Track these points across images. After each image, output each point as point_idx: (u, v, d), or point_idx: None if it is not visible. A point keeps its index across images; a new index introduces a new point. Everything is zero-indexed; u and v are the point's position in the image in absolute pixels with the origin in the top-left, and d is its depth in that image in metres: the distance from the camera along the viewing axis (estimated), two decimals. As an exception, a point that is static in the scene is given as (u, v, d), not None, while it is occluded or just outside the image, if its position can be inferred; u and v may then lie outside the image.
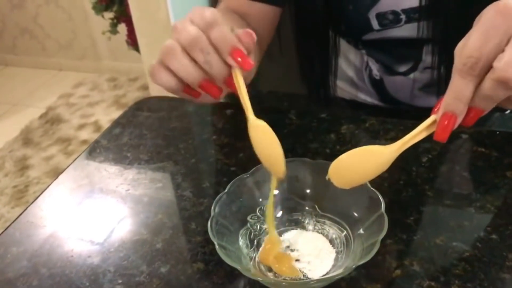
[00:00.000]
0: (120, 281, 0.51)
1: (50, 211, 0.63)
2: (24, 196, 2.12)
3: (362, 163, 0.47)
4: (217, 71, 0.50)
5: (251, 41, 0.50)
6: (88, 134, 2.48)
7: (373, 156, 0.46)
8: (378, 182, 0.54)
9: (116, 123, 0.78)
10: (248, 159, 0.67)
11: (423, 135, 0.45)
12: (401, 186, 0.59)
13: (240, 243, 0.51)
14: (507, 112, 0.89)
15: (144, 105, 0.81)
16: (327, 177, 0.49)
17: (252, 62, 0.50)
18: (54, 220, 0.61)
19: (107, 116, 2.61)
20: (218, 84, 0.52)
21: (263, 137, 0.50)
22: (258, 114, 0.52)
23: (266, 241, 0.53)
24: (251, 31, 0.50)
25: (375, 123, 0.71)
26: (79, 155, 0.72)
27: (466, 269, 0.49)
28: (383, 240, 0.45)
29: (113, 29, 2.21)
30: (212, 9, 0.50)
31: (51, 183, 0.67)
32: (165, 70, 0.51)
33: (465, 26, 0.73)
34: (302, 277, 0.49)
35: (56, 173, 2.22)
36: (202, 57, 0.49)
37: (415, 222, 0.54)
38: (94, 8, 2.17)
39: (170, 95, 0.55)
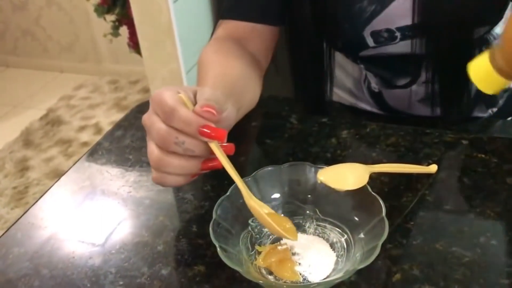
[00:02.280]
0: (121, 283, 0.52)
1: (51, 212, 0.63)
2: (24, 197, 2.12)
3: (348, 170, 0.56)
4: (201, 152, 0.50)
5: (212, 117, 0.49)
6: (89, 136, 2.48)
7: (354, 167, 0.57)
8: (379, 187, 0.55)
9: (118, 125, 0.78)
10: (249, 163, 0.68)
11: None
12: (401, 191, 0.60)
13: (241, 246, 0.51)
14: (509, 119, 0.89)
15: (146, 108, 0.81)
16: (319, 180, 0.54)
17: (223, 130, 0.49)
18: (56, 221, 0.61)
19: (107, 118, 2.61)
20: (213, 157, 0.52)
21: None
22: (259, 119, 0.53)
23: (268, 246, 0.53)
24: (209, 106, 0.50)
25: (376, 128, 0.71)
26: (81, 157, 0.72)
27: (465, 274, 0.49)
28: (383, 245, 0.46)
29: (115, 32, 2.21)
30: (169, 92, 0.50)
31: (53, 184, 0.67)
32: (166, 175, 0.52)
33: (457, 43, 0.74)
34: (302, 280, 0.49)
35: (56, 174, 2.23)
36: (180, 149, 0.49)
37: (415, 227, 0.55)
38: (96, 10, 2.18)
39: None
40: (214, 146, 0.50)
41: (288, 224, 0.51)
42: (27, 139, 2.52)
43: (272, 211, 0.51)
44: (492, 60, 0.47)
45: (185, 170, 0.51)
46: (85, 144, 2.43)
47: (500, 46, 0.46)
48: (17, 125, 2.63)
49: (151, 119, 0.51)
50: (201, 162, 0.52)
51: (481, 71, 0.47)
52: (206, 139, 0.49)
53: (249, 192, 0.51)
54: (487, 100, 0.87)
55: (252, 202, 0.50)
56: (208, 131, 0.49)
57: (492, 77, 0.47)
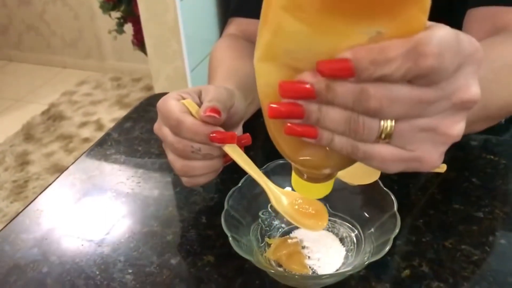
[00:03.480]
0: (130, 271, 0.52)
1: (60, 200, 0.63)
2: (23, 191, 2.12)
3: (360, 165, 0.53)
4: (220, 152, 0.51)
5: (216, 121, 0.50)
6: (90, 132, 2.48)
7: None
8: (389, 184, 0.55)
9: (127, 117, 0.79)
10: (259, 157, 0.68)
11: None
12: (410, 190, 0.60)
13: (251, 237, 0.51)
14: None
15: (155, 100, 0.81)
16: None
17: (231, 132, 0.50)
18: (64, 209, 0.61)
19: (109, 115, 2.61)
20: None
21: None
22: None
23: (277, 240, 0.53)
24: (211, 110, 0.49)
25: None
26: (90, 147, 0.72)
27: (474, 272, 0.49)
28: (392, 241, 0.46)
29: (120, 29, 2.21)
30: (173, 101, 0.50)
31: (62, 172, 0.67)
32: (196, 178, 0.53)
33: None
34: (311, 274, 0.49)
35: (56, 169, 2.22)
36: (199, 155, 0.51)
37: (424, 225, 0.55)
38: (101, 7, 2.18)
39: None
40: (228, 149, 0.50)
41: (318, 208, 0.50)
42: (28, 134, 2.52)
43: (300, 197, 0.50)
44: (297, 172, 0.41)
45: (211, 169, 0.52)
46: (86, 140, 2.42)
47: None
48: (19, 119, 2.63)
49: (162, 132, 0.52)
50: (223, 161, 0.53)
51: (299, 185, 0.41)
52: (217, 144, 0.50)
53: (276, 191, 0.50)
54: None
55: (280, 206, 0.49)
56: (217, 136, 0.49)
57: (308, 186, 0.41)
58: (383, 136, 0.31)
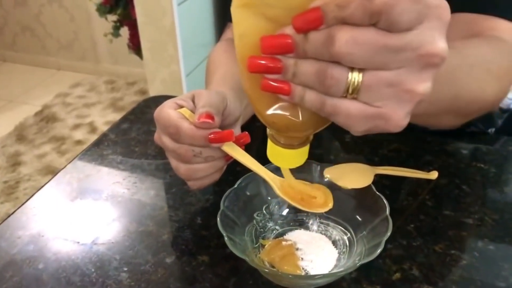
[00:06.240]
0: (125, 269, 0.52)
1: (57, 198, 0.64)
2: (14, 192, 2.11)
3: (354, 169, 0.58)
4: (220, 153, 0.53)
5: (210, 126, 0.50)
6: (83, 135, 2.48)
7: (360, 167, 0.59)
8: (380, 190, 0.56)
9: (124, 118, 0.79)
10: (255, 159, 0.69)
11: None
12: (402, 195, 0.61)
13: (246, 238, 0.52)
14: None
15: (152, 102, 0.83)
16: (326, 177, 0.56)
17: (228, 131, 0.51)
18: (61, 207, 0.62)
19: (102, 118, 2.61)
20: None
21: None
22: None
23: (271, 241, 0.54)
24: (205, 116, 0.50)
25: (379, 133, 0.73)
26: (88, 146, 0.73)
27: (463, 276, 0.50)
28: (384, 244, 0.47)
29: (116, 32, 2.22)
30: (169, 109, 0.52)
31: (59, 171, 0.68)
32: (200, 180, 0.54)
33: None
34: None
35: (48, 171, 2.22)
36: (200, 158, 0.52)
37: (415, 230, 0.56)
38: (98, 10, 2.19)
39: (177, 94, 0.57)
40: (227, 148, 0.52)
41: (321, 191, 0.51)
42: (20, 134, 2.51)
43: (302, 182, 0.52)
44: (272, 139, 0.41)
45: (214, 168, 0.54)
46: (78, 142, 2.42)
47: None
48: (11, 119, 2.62)
49: (163, 141, 0.53)
50: (225, 160, 0.54)
51: (275, 154, 0.42)
52: (216, 145, 0.51)
53: (277, 181, 0.51)
54: (485, 120, 0.89)
55: (283, 194, 0.50)
56: (214, 136, 0.50)
57: (283, 154, 0.41)
58: (350, 90, 0.32)
